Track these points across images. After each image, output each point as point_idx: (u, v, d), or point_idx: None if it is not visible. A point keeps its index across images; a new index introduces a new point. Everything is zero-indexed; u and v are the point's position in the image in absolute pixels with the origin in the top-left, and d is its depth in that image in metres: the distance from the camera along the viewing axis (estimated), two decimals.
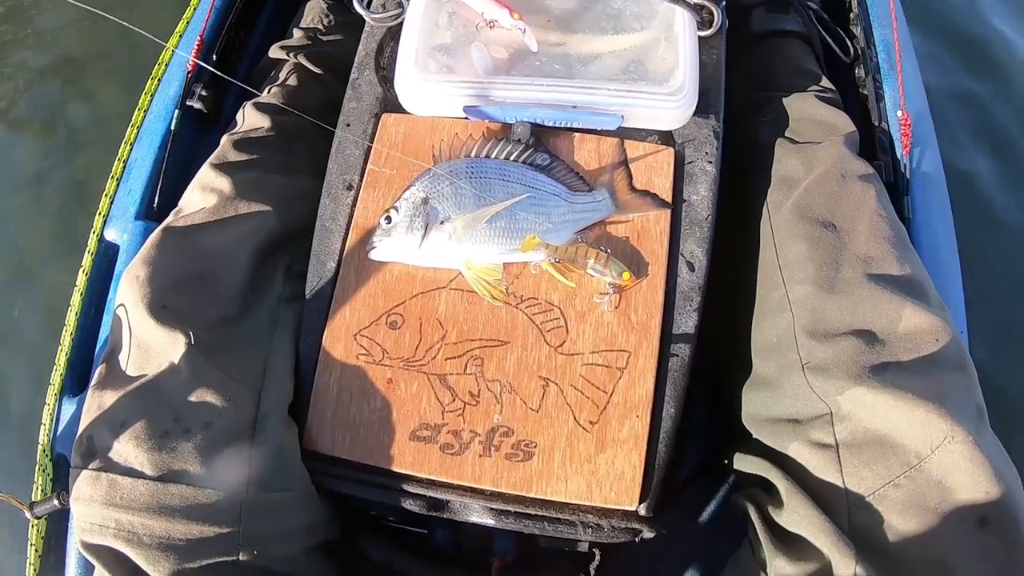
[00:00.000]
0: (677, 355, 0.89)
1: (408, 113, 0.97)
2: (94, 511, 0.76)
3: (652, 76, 0.95)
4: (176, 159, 1.17)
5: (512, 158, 0.91)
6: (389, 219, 0.87)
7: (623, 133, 0.97)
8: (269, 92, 1.14)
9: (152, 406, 0.80)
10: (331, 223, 0.94)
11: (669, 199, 0.93)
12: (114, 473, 0.77)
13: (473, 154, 0.90)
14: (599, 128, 0.95)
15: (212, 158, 1.03)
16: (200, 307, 0.88)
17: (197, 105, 1.19)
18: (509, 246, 0.87)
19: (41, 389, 1.06)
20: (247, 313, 0.92)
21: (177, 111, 1.17)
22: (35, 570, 0.96)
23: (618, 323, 0.88)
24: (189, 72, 1.19)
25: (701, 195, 0.96)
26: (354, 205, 0.94)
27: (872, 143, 1.14)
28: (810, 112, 1.11)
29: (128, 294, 0.88)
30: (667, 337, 0.89)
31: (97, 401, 0.83)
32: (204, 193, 0.98)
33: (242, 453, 0.80)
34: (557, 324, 0.87)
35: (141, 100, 1.26)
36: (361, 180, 0.95)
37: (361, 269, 0.91)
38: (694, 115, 0.97)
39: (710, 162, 0.97)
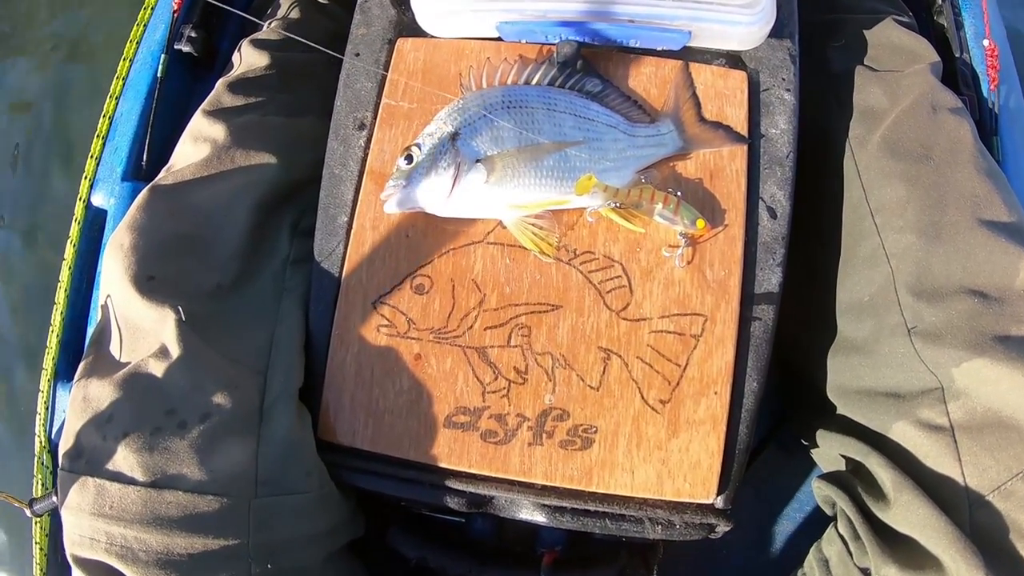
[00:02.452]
0: (760, 318, 0.67)
1: (428, 37, 0.74)
2: (83, 522, 0.57)
3: None
4: (166, 111, 0.93)
5: (557, 84, 0.67)
6: (409, 158, 0.64)
7: (684, 55, 0.73)
8: (268, 28, 0.90)
9: (140, 397, 0.60)
10: (341, 169, 0.71)
11: (745, 132, 0.71)
12: (101, 478, 0.58)
13: (510, 81, 0.67)
14: (659, 48, 0.71)
15: (204, 104, 0.80)
16: (192, 275, 0.67)
17: (186, 48, 0.95)
18: (559, 189, 0.63)
19: (36, 374, 0.86)
20: (248, 280, 0.70)
21: (164, 56, 0.93)
22: (42, 571, 0.76)
23: (691, 281, 0.66)
24: (175, 10, 0.95)
25: (780, 128, 0.72)
26: (367, 147, 0.70)
27: (953, 77, 0.90)
28: (888, 37, 0.86)
29: (112, 266, 0.66)
30: (748, 297, 0.67)
31: (82, 392, 0.62)
32: (196, 144, 0.76)
33: (247, 449, 0.60)
34: (619, 284, 0.65)
35: (126, 48, 1.01)
36: (375, 118, 0.71)
37: (378, 223, 0.67)
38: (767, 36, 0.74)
39: (788, 90, 0.74)
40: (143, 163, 0.90)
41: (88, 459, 0.59)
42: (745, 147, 0.70)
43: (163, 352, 0.62)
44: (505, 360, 0.64)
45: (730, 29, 0.69)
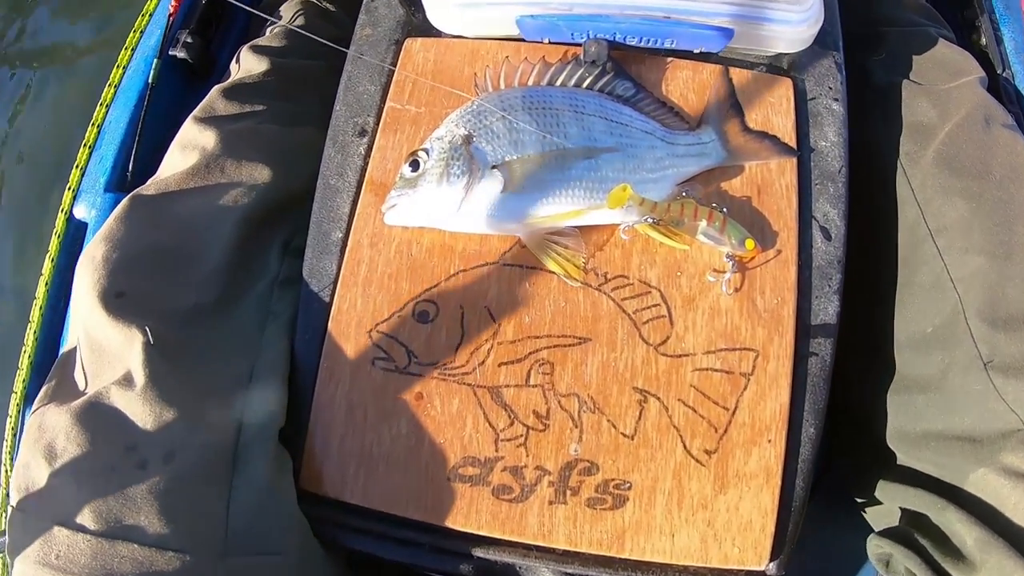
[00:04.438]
0: (817, 353, 0.54)
1: (439, 37, 0.62)
2: (27, 569, 0.45)
3: None
4: (157, 120, 0.80)
5: (585, 85, 0.55)
6: (415, 164, 0.50)
7: (723, 59, 0.62)
8: (270, 33, 0.78)
9: (96, 431, 0.47)
10: (337, 179, 0.58)
11: (793, 144, 0.58)
12: (50, 521, 0.45)
13: (531, 82, 0.55)
14: (696, 50, 0.59)
15: (196, 111, 0.67)
16: (169, 293, 0.53)
17: (181, 55, 0.83)
18: (589, 201, 0.50)
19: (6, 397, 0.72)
20: (230, 302, 0.56)
21: (156, 61, 0.81)
22: None
23: (740, 310, 0.52)
24: (172, 13, 0.83)
25: (830, 140, 0.60)
26: (368, 156, 0.57)
27: (996, 94, 0.79)
28: (932, 51, 0.75)
29: (81, 280, 0.53)
30: (803, 329, 0.53)
31: (38, 420, 0.49)
32: (184, 152, 0.63)
33: (216, 498, 0.47)
34: (657, 313, 0.52)
35: (120, 56, 0.89)
36: (377, 123, 0.59)
37: (377, 239, 0.54)
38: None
39: (835, 99, 0.62)
40: (128, 174, 0.77)
41: (37, 497, 0.46)
42: (794, 160, 0.57)
43: (127, 380, 0.48)
44: (523, 402, 0.50)
45: (776, 29, 0.57)
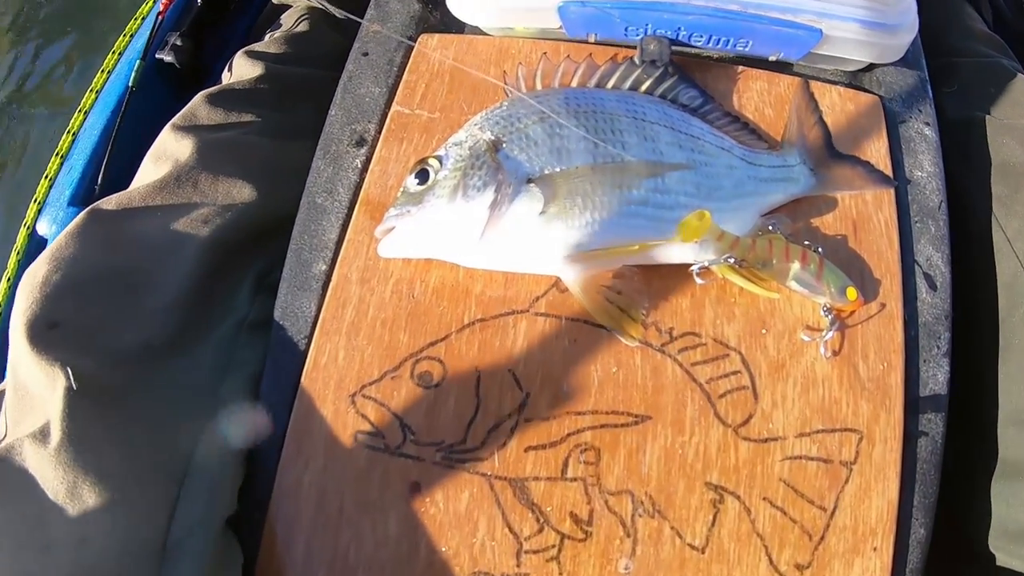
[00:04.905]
0: (926, 433, 0.40)
1: (459, 33, 0.51)
2: None
3: None
4: (136, 129, 0.69)
5: (643, 89, 0.44)
6: (423, 175, 0.37)
7: (800, 72, 0.50)
8: (269, 39, 0.68)
9: (4, 495, 0.36)
10: (326, 198, 0.46)
11: (889, 172, 0.46)
12: None
13: (575, 83, 0.43)
14: (771, 56, 0.48)
15: (176, 118, 0.56)
16: (113, 327, 0.41)
17: (168, 58, 0.72)
18: (653, 232, 0.37)
19: None
20: (187, 343, 0.43)
21: (140, 63, 0.70)
22: None
23: (839, 379, 0.39)
24: (161, 12, 0.72)
25: (927, 171, 0.48)
26: (365, 170, 0.44)
27: None
28: (1009, 85, 0.66)
29: (16, 304, 0.42)
30: (911, 403, 0.40)
31: None
32: (157, 164, 0.51)
33: None
34: (738, 384, 0.38)
35: (107, 60, 0.79)
36: (379, 132, 0.47)
37: (370, 275, 0.40)
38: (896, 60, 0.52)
39: (927, 124, 0.50)
40: (96, 187, 0.65)
41: None
42: (892, 192, 0.45)
43: (43, 433, 0.37)
44: (557, 501, 0.36)
45: (868, 33, 0.46)
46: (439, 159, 0.38)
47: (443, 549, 0.36)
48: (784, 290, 0.39)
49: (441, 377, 0.38)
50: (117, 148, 0.64)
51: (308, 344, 0.40)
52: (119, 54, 0.75)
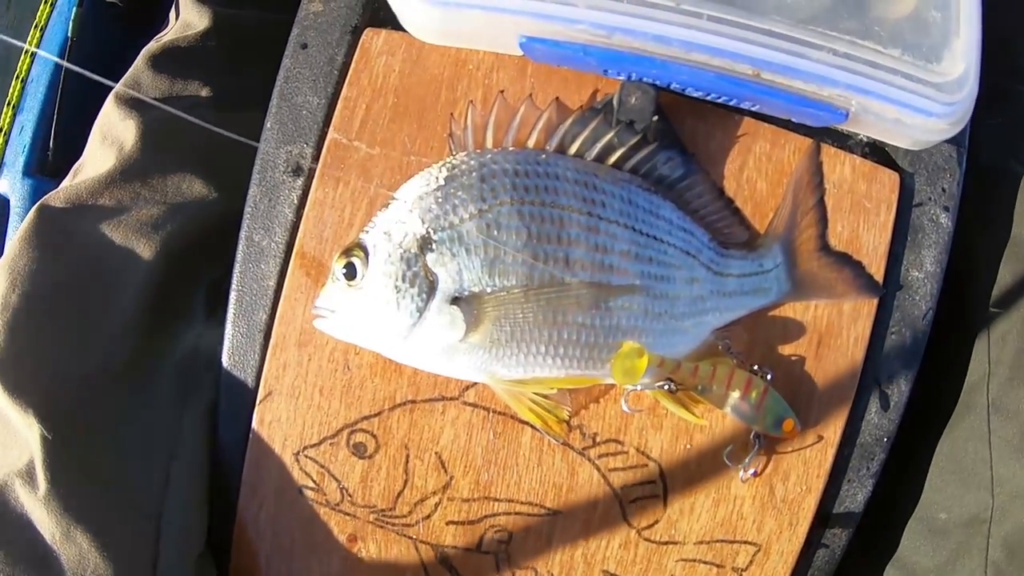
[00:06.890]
0: (827, 546, 0.42)
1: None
2: None
3: (900, 39, 0.35)
4: (82, 82, 0.61)
5: (613, 160, 0.36)
6: (350, 269, 0.35)
7: (817, 132, 0.40)
8: None
9: (4, 534, 0.37)
10: (263, 237, 0.42)
11: (882, 273, 0.39)
12: None
13: (532, 141, 0.36)
14: (784, 116, 0.37)
15: (119, 86, 0.48)
16: (71, 351, 0.41)
17: None
18: (586, 365, 0.35)
19: None
20: (144, 374, 0.43)
21: (77, 9, 0.58)
22: None
23: (753, 499, 0.39)
24: None
25: (926, 271, 0.41)
26: (301, 210, 0.40)
27: None
28: None
29: None
30: (821, 518, 0.41)
31: None
32: (104, 146, 0.46)
33: None
34: (651, 492, 0.39)
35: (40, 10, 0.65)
36: (316, 159, 0.41)
37: (307, 339, 0.39)
38: None
39: (946, 208, 0.41)
40: (49, 153, 0.59)
41: None
42: (874, 302, 0.39)
43: (30, 475, 0.38)
44: (472, 567, 0.40)
45: (908, 117, 0.35)
46: (364, 252, 0.34)
47: None
48: (717, 412, 0.37)
49: (374, 450, 0.40)
50: (66, 101, 0.57)
51: (255, 397, 0.41)
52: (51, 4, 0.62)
